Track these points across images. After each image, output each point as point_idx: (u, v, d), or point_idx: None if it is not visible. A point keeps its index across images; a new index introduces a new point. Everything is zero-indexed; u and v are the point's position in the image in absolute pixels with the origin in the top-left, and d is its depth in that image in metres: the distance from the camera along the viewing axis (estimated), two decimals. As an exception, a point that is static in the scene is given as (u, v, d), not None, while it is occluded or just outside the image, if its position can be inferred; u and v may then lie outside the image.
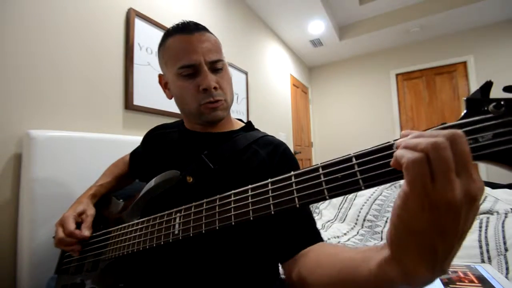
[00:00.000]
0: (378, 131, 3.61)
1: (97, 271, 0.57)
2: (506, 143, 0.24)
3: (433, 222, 0.23)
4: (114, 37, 1.25)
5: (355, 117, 3.83)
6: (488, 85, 0.26)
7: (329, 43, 3.40)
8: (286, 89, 3.29)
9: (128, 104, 1.27)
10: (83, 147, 0.96)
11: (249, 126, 0.67)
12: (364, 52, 3.75)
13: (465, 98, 0.27)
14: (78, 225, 0.61)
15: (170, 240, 0.45)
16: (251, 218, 0.35)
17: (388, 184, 1.48)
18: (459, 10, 2.72)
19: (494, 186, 1.52)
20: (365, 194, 1.43)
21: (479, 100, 0.26)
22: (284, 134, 3.12)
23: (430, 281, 0.25)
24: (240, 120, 0.71)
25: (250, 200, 0.36)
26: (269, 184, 0.35)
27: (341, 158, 0.30)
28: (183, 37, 0.56)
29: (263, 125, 2.65)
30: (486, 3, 2.61)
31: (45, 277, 0.74)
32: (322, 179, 0.31)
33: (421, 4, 2.87)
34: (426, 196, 0.23)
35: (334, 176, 0.30)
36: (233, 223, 0.37)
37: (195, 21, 0.59)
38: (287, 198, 0.33)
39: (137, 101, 1.30)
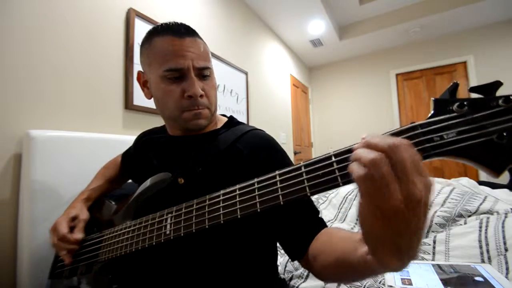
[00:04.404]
0: (378, 131, 3.56)
1: (91, 274, 0.57)
2: (467, 140, 0.27)
3: (388, 227, 0.27)
4: (114, 37, 1.25)
5: (355, 117, 3.83)
6: (455, 87, 0.29)
7: (329, 43, 3.40)
8: (286, 89, 3.29)
9: (128, 104, 1.27)
10: (83, 147, 0.96)
11: (231, 121, 0.65)
12: (364, 52, 3.75)
13: (433, 99, 0.29)
14: (72, 229, 0.61)
15: (162, 240, 0.45)
16: (239, 216, 0.37)
17: (388, 184, 1.48)
18: (459, 10, 2.71)
19: (494, 186, 1.52)
20: (365, 194, 1.43)
21: (445, 101, 0.29)
22: (284, 134, 3.12)
23: (402, 267, 0.30)
24: (223, 115, 0.70)
25: (238, 199, 0.37)
26: (256, 183, 0.36)
27: (322, 157, 0.33)
28: (173, 39, 0.53)
29: (263, 125, 2.65)
30: (486, 3, 2.60)
31: (45, 276, 0.74)
32: (304, 177, 0.33)
33: (421, 4, 2.87)
34: (376, 207, 0.26)
35: (315, 173, 0.32)
36: (222, 222, 0.38)
37: (187, 24, 0.57)
38: (272, 195, 0.35)
39: (137, 101, 1.30)
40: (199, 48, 0.55)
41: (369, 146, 0.27)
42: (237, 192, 0.38)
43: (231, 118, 0.67)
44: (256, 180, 0.36)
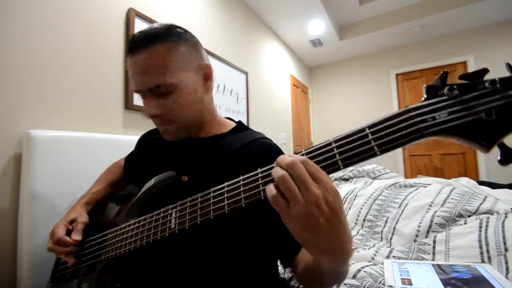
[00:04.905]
0: (378, 131, 3.60)
1: (93, 274, 0.57)
2: (458, 119, 0.29)
3: (305, 231, 0.31)
4: (114, 37, 1.25)
5: (355, 117, 3.83)
6: (445, 75, 0.32)
7: (329, 43, 3.40)
8: (286, 89, 3.29)
9: (128, 104, 1.27)
10: (83, 147, 0.96)
11: (239, 127, 0.64)
12: (364, 52, 3.75)
13: (425, 85, 0.32)
14: (70, 232, 0.60)
15: (167, 235, 0.46)
16: (243, 205, 0.38)
17: (389, 184, 1.48)
18: (459, 10, 2.72)
19: (494, 186, 1.52)
20: (365, 194, 1.43)
21: (436, 86, 0.31)
22: (284, 134, 3.12)
23: (336, 265, 0.35)
24: (231, 119, 0.68)
25: (242, 189, 0.39)
26: (259, 173, 0.38)
27: (323, 144, 0.35)
28: (130, 59, 0.51)
29: (263, 125, 2.65)
30: (486, 3, 2.61)
31: (45, 277, 0.74)
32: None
33: (421, 4, 2.87)
34: (288, 216, 0.32)
35: (317, 159, 0.34)
36: (226, 212, 0.39)
37: (154, 28, 0.51)
38: None
39: (137, 101, 1.30)
40: (151, 62, 0.49)
41: (278, 165, 0.33)
42: (241, 182, 0.39)
43: (239, 124, 0.65)
44: (260, 170, 0.38)
